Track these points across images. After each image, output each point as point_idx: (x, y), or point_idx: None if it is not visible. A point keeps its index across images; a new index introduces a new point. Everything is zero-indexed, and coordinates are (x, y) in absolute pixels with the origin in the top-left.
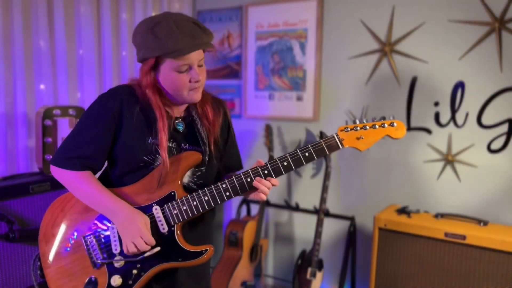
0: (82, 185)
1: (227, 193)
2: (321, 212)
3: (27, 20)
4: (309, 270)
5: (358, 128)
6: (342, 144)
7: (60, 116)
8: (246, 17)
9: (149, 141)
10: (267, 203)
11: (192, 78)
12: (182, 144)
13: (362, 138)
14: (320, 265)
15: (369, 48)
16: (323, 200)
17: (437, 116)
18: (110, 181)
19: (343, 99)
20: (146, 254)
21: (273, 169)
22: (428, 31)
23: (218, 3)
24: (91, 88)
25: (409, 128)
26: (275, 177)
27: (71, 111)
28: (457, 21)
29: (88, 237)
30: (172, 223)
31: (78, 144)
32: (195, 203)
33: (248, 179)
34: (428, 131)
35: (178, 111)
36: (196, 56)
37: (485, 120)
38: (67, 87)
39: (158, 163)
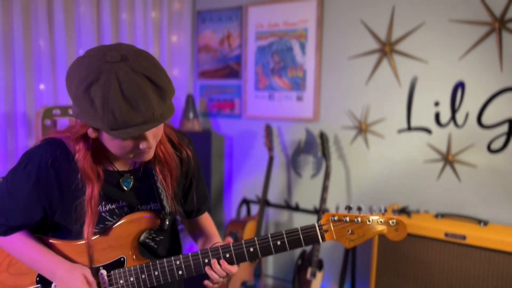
0: (14, 245)
1: (180, 272)
2: (321, 212)
3: (27, 20)
4: (309, 270)
5: (347, 220)
6: (323, 237)
7: (60, 116)
8: (246, 17)
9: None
10: (267, 203)
11: (142, 146)
12: (134, 204)
13: (351, 232)
14: (320, 265)
15: (369, 48)
16: (323, 200)
17: (437, 116)
18: (57, 228)
19: (343, 99)
20: None
21: (236, 253)
22: (428, 31)
23: (218, 3)
24: None
25: (409, 128)
26: (237, 262)
27: (71, 111)
28: (457, 21)
29: None
30: None
31: (5, 212)
32: (143, 276)
33: (206, 260)
34: (428, 131)
35: (126, 163)
36: None
37: (485, 120)
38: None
39: (110, 225)
